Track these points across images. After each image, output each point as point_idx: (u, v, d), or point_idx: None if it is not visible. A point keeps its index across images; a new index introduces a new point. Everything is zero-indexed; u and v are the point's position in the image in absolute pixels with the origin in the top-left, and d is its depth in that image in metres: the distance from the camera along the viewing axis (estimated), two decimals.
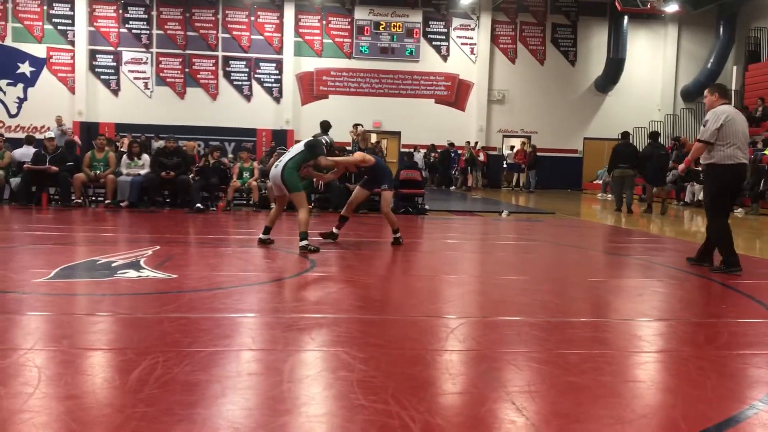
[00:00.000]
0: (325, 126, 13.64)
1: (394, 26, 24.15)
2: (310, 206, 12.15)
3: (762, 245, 9.31)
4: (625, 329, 4.06)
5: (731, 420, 2.55)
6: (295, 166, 7.06)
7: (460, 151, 23.14)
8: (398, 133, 24.44)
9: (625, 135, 14.99)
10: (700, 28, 25.03)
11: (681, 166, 6.56)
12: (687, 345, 3.75)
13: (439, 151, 23.59)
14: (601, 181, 22.16)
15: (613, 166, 14.45)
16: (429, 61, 24.52)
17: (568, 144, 25.37)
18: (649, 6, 22.04)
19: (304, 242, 6.80)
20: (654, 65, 25.47)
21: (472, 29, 24.70)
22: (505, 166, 24.55)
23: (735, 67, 24.26)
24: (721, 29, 24.29)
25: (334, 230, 7.78)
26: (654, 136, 15.00)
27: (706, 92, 6.46)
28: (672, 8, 21.75)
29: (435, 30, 24.57)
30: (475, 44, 24.71)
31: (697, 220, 13.15)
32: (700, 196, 16.50)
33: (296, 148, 7.36)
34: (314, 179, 12.02)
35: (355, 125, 14.14)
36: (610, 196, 20.52)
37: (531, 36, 25.15)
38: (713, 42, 24.61)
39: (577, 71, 25.36)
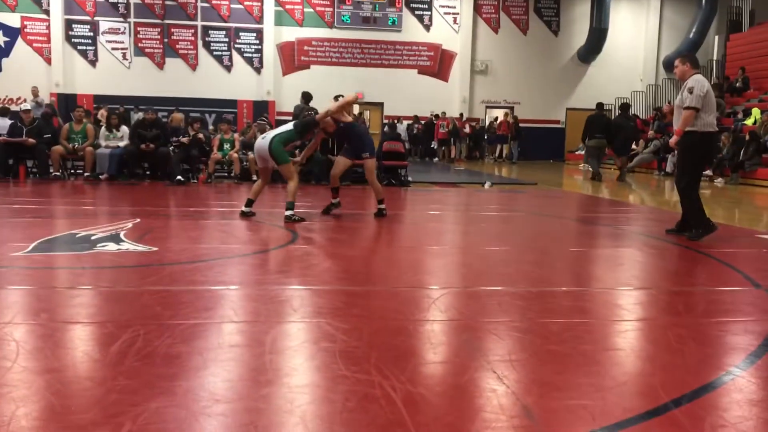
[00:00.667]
0: (307, 96, 13.55)
1: None
2: None
3: (741, 215, 9.41)
4: (606, 298, 4.10)
5: (708, 386, 2.58)
6: (283, 141, 7.07)
7: (444, 123, 23.05)
8: (381, 105, 24.29)
9: (600, 106, 15.52)
10: None
11: (673, 139, 6.39)
12: (666, 313, 3.79)
13: (422, 122, 23.51)
14: (583, 152, 22.25)
15: (587, 136, 14.93)
16: (411, 30, 24.31)
17: (551, 114, 25.38)
18: None
19: (290, 212, 6.89)
20: (636, 35, 25.45)
21: None
22: (486, 137, 24.48)
23: (717, 37, 24.31)
24: None
25: (333, 201, 7.77)
26: (624, 107, 15.47)
27: (677, 62, 6.55)
28: None
29: None
30: (458, 14, 24.51)
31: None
32: None
33: (285, 127, 7.37)
34: (296, 152, 11.98)
35: (336, 97, 13.99)
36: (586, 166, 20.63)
37: (514, 5, 24.98)
38: (695, 12, 24.59)
39: (559, 41, 25.27)
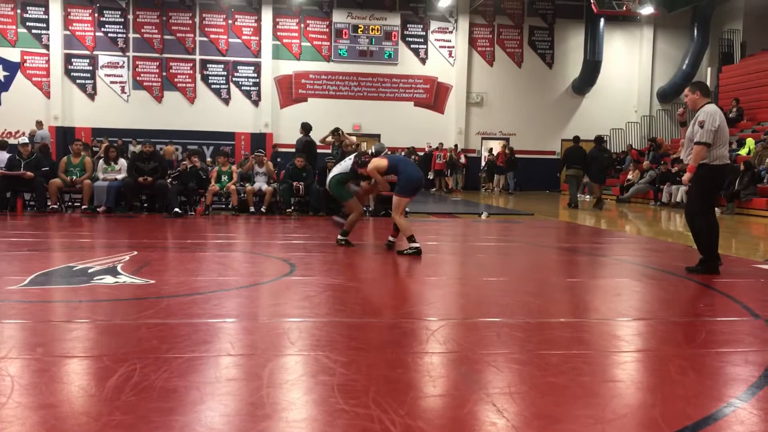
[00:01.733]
0: (307, 127, 13.64)
1: (373, 29, 24.17)
2: (291, 209, 12.11)
3: (738, 244, 9.43)
4: (604, 329, 4.08)
5: (710, 418, 2.57)
6: (340, 182, 7.66)
7: (442, 154, 23.16)
8: (378, 136, 24.43)
9: (576, 139, 16.64)
10: (674, 30, 25.34)
11: (686, 176, 6.18)
12: (665, 344, 3.77)
13: (419, 154, 23.64)
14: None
15: (565, 166, 16.34)
16: (407, 63, 24.58)
17: (547, 146, 25.54)
18: (624, 8, 22.26)
19: (341, 237, 7.66)
20: (630, 67, 25.74)
21: (450, 32, 24.79)
22: (483, 167, 24.61)
23: (709, 69, 24.61)
24: (696, 31, 24.63)
25: (391, 238, 7.78)
26: (598, 140, 16.75)
27: (686, 90, 6.35)
28: (647, 11, 22.00)
29: (413, 33, 24.63)
30: (453, 47, 24.81)
31: (675, 220, 13.29)
32: (678, 197, 16.69)
33: (343, 166, 7.78)
34: (294, 183, 12.02)
35: (335, 130, 14.08)
36: (588, 197, 20.79)
37: (508, 38, 25.30)
38: (688, 44, 24.94)
39: (554, 73, 25.54)
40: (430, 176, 23.20)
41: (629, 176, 20.02)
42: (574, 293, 5.44)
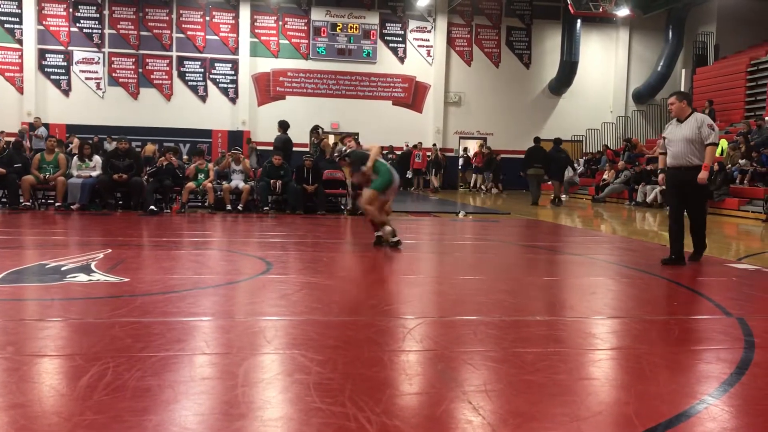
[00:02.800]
0: (284, 125, 13.59)
1: (351, 27, 24.12)
2: (268, 207, 12.06)
3: (710, 244, 9.53)
4: (580, 327, 4.11)
5: (683, 415, 2.59)
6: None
7: (420, 153, 23.17)
8: (356, 135, 24.40)
9: (537, 140, 17.74)
10: (650, 32, 25.61)
11: (703, 174, 6.49)
12: (640, 342, 3.81)
13: (397, 153, 23.65)
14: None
15: (526, 166, 17.30)
16: (386, 62, 24.56)
17: (524, 145, 25.41)
18: (601, 10, 22.45)
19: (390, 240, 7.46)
20: (606, 68, 25.97)
21: (429, 31, 24.82)
22: (460, 167, 24.79)
23: (683, 70, 24.95)
24: (671, 33, 24.89)
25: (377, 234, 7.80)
26: (557, 141, 18.01)
27: (673, 98, 6.82)
28: (623, 12, 22.22)
29: (392, 32, 24.62)
30: (431, 46, 24.84)
31: (649, 219, 13.43)
32: (651, 197, 16.89)
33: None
34: (271, 181, 11.96)
35: (315, 128, 14.10)
36: (564, 196, 21.01)
37: (486, 39, 25.39)
38: (663, 46, 25.22)
39: (531, 74, 25.69)
40: (409, 175, 23.22)
41: (605, 176, 20.20)
42: (550, 291, 5.47)
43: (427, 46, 24.84)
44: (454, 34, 25.12)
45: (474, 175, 24.27)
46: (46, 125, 21.35)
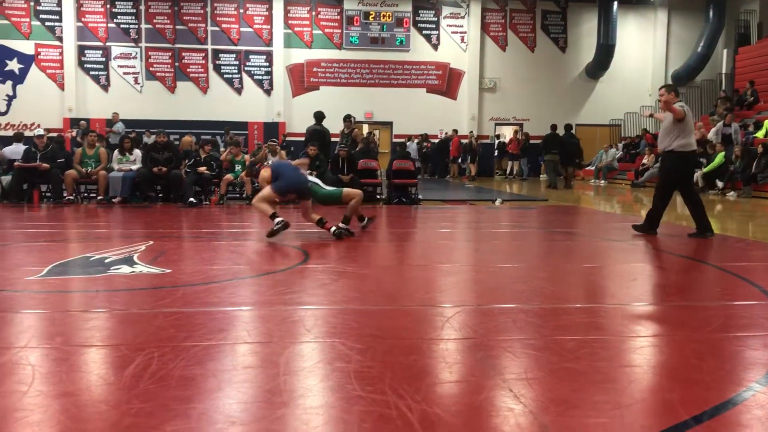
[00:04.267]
0: (319, 116, 13.63)
1: (384, 16, 24.06)
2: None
3: (755, 228, 9.34)
4: (620, 314, 4.06)
5: (729, 402, 2.55)
6: (319, 190, 7.80)
7: (464, 140, 23.03)
8: (390, 124, 24.40)
9: (554, 127, 18.87)
10: (689, 12, 25.03)
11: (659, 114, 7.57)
12: (683, 329, 3.75)
13: (433, 141, 23.56)
14: (593, 167, 22.20)
15: (545, 152, 18.61)
16: (419, 50, 24.45)
17: (560, 131, 25.36)
18: None
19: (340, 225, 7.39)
20: (644, 50, 25.47)
21: (462, 17, 24.63)
22: (495, 154, 24.61)
23: (725, 51, 24.29)
24: (711, 13, 24.27)
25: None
26: (568, 127, 19.12)
27: (662, 90, 7.46)
28: None
29: (425, 19, 24.49)
30: (465, 32, 24.66)
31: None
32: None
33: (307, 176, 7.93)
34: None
35: (346, 116, 14.15)
36: (602, 181, 20.72)
37: (521, 23, 25.10)
38: (703, 26, 24.61)
39: (567, 58, 25.34)
40: (457, 162, 23.01)
41: (644, 160, 19.87)
42: (590, 278, 5.42)
43: (460, 33, 24.66)
44: (488, 19, 24.88)
45: (510, 162, 24.08)
46: (87, 120, 21.77)
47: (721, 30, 24.44)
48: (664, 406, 2.53)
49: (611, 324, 3.83)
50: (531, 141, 23.28)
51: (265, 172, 7.47)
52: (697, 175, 16.37)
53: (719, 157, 16.15)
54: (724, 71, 24.00)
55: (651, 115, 9.25)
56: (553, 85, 25.15)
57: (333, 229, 7.16)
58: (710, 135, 17.69)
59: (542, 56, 25.13)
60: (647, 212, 7.91)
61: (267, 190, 7.32)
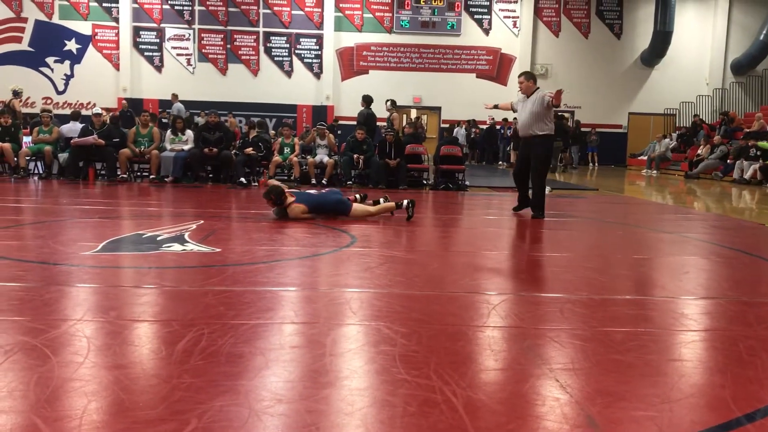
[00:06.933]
0: (368, 100, 13.65)
1: (435, 0, 23.87)
2: (351, 181, 12.17)
3: None
4: (671, 307, 3.98)
5: None
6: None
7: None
8: (438, 109, 24.27)
9: (560, 117, 20.07)
10: None
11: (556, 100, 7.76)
12: (736, 324, 3.65)
13: (481, 127, 23.36)
14: (646, 157, 21.74)
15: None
16: (470, 34, 24.22)
17: (613, 119, 24.90)
18: None
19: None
20: (703, 37, 24.72)
21: (515, 2, 24.29)
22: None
23: None
24: None
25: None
26: (559, 118, 19.65)
27: (521, 78, 8.13)
28: None
29: (476, 3, 24.22)
30: (517, 17, 24.31)
31: (745, 197, 12.81)
32: (749, 173, 16.08)
33: None
34: (354, 156, 12.06)
35: (387, 101, 14.17)
36: (655, 172, 20.30)
37: (575, 8, 24.63)
38: (767, 12, 23.73)
39: (622, 44, 24.78)
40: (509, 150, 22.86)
41: (699, 151, 19.36)
42: (640, 270, 5.31)
43: (513, 17, 24.33)
44: (542, 3, 24.48)
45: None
46: (140, 100, 22.21)
47: None
48: (716, 402, 2.47)
49: (661, 317, 3.76)
50: (582, 129, 22.91)
51: (297, 208, 7.28)
52: (755, 167, 15.88)
53: None
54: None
55: (496, 106, 9.26)
56: (607, 73, 24.65)
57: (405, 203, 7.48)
58: None
59: (596, 42, 24.64)
60: (521, 196, 8.54)
61: (301, 207, 7.28)
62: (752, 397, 2.50)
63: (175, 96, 21.01)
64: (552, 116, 8.06)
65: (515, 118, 23.45)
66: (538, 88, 8.18)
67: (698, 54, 24.77)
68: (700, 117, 23.05)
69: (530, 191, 8.33)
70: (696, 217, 9.30)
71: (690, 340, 3.34)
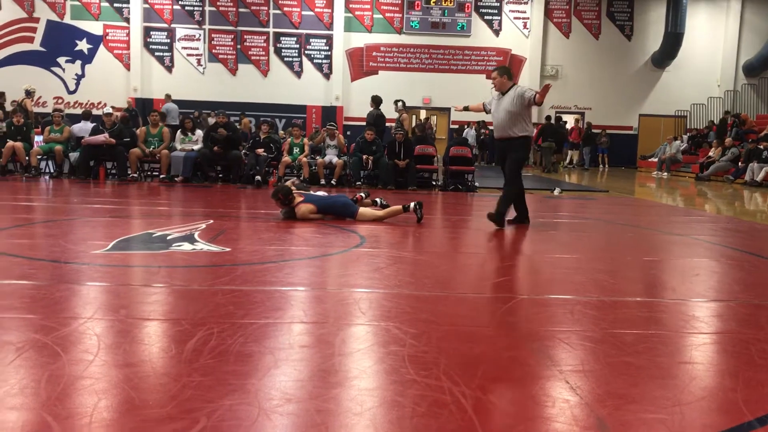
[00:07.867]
0: (377, 100, 13.64)
1: (446, 0, 23.84)
2: (360, 182, 12.17)
3: None
4: (681, 309, 3.96)
5: None
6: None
7: None
8: (448, 110, 24.24)
9: (549, 118, 21.82)
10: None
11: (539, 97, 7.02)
12: (747, 327, 3.63)
13: (490, 128, 23.30)
14: (656, 159, 21.64)
15: (543, 140, 20.48)
16: (481, 35, 24.18)
17: (623, 121, 24.79)
18: None
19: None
20: (714, 39, 24.58)
21: (525, 3, 24.23)
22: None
23: None
24: None
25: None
26: (556, 120, 21.98)
27: (494, 74, 7.43)
28: None
29: (487, 4, 24.18)
30: (528, 18, 24.25)
31: (756, 199, 12.73)
32: (761, 176, 15.98)
33: None
34: (363, 157, 12.07)
35: (396, 101, 14.14)
36: (665, 174, 20.22)
37: (586, 9, 24.54)
38: None
39: (633, 46, 24.68)
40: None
41: (710, 153, 19.26)
42: (650, 272, 5.29)
43: (523, 18, 24.27)
44: (552, 5, 24.42)
45: (570, 152, 23.67)
46: (150, 100, 22.30)
47: None
48: (727, 405, 2.46)
49: (672, 319, 3.74)
50: (593, 130, 22.84)
51: (305, 208, 7.28)
52: (766, 169, 15.80)
53: None
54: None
55: (466, 108, 8.62)
56: (617, 74, 24.55)
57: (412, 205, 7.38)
58: None
59: (607, 44, 24.55)
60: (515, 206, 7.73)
61: (309, 207, 7.29)
62: (764, 401, 2.48)
63: (168, 96, 21.04)
64: (530, 115, 7.38)
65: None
66: (515, 84, 7.38)
67: (710, 56, 24.64)
68: (711, 120, 22.93)
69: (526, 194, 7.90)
70: (707, 220, 9.25)
71: (701, 342, 3.32)
